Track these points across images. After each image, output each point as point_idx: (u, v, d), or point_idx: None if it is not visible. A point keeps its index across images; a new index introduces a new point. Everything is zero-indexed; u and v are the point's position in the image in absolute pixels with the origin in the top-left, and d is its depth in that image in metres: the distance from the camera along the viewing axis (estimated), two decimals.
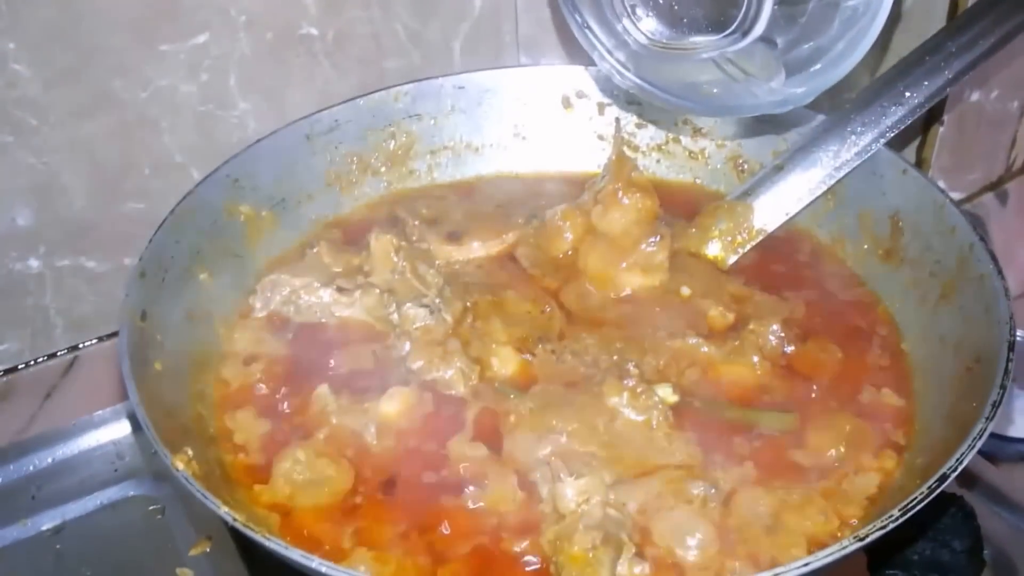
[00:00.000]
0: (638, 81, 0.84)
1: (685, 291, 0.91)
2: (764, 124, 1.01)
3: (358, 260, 0.92)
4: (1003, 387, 0.69)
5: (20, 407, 1.02)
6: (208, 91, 0.95)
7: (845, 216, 0.96)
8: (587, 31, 0.84)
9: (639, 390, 0.79)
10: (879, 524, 0.62)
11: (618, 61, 0.85)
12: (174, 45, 0.91)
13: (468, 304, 0.89)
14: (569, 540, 0.69)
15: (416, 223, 0.98)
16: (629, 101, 1.05)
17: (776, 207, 0.96)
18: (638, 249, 0.91)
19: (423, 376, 0.83)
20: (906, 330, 0.88)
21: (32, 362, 1.01)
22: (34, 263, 0.96)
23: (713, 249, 0.96)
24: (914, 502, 0.63)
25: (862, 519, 0.72)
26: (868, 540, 0.62)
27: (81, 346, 1.02)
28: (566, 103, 1.06)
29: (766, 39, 0.81)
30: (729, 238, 0.96)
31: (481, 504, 0.74)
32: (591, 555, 0.67)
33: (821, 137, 0.94)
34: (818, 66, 0.79)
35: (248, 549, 0.87)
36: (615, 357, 0.84)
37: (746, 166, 1.04)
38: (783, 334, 0.86)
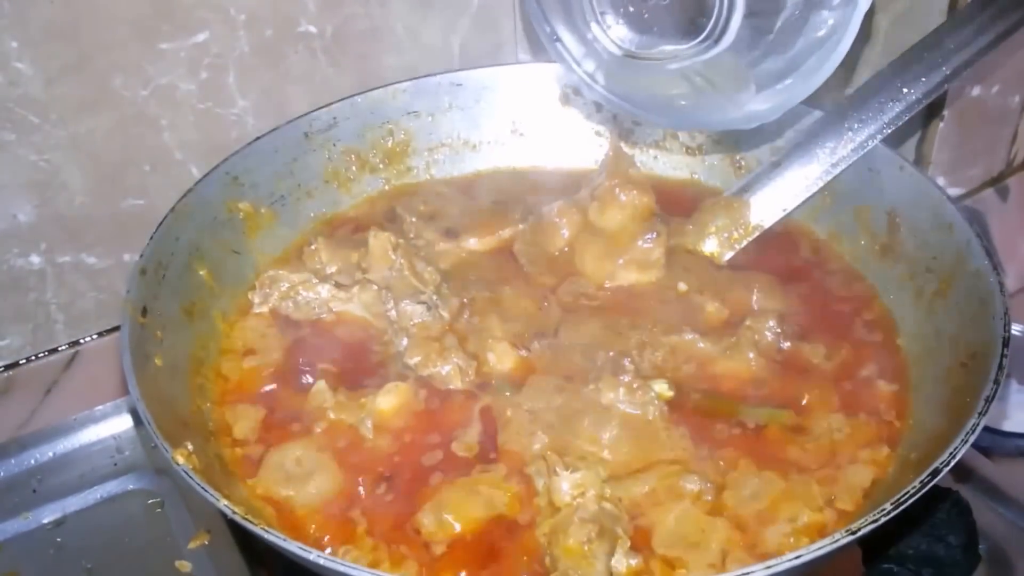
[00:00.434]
0: (606, 93, 0.84)
1: (682, 287, 0.92)
2: None
3: (356, 257, 0.92)
4: (997, 382, 0.69)
5: (21, 402, 1.03)
6: (208, 89, 0.95)
7: (842, 212, 0.96)
8: (557, 43, 0.83)
9: (635, 385, 0.80)
10: (871, 517, 0.62)
11: (587, 73, 0.84)
12: (174, 43, 0.92)
13: (465, 300, 0.90)
14: (564, 533, 0.69)
15: (414, 220, 0.98)
16: None
17: (773, 203, 0.96)
18: (635, 245, 0.92)
19: (420, 371, 0.83)
20: (902, 325, 0.88)
21: (33, 357, 1.02)
22: (35, 259, 0.96)
23: (710, 245, 0.96)
24: (907, 496, 0.63)
25: (856, 513, 0.73)
26: (860, 533, 0.62)
27: (82, 341, 1.03)
28: (564, 99, 1.06)
29: (736, 50, 0.80)
30: (726, 234, 0.96)
31: (477, 498, 0.74)
32: (586, 548, 0.68)
33: (818, 133, 0.94)
34: (789, 81, 0.78)
35: (247, 542, 0.88)
36: (611, 353, 0.84)
37: (743, 162, 1.04)
38: (779, 330, 0.86)
